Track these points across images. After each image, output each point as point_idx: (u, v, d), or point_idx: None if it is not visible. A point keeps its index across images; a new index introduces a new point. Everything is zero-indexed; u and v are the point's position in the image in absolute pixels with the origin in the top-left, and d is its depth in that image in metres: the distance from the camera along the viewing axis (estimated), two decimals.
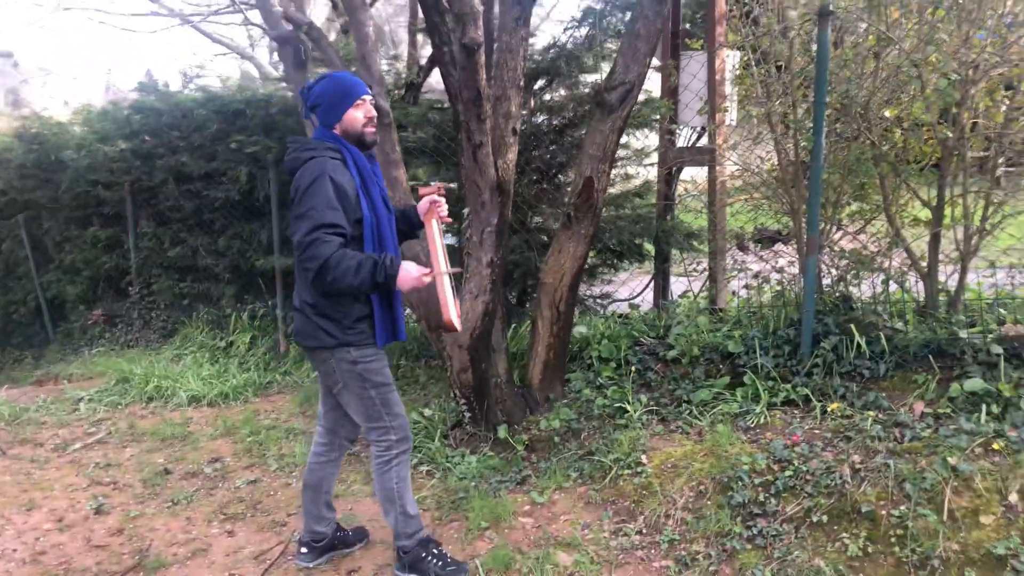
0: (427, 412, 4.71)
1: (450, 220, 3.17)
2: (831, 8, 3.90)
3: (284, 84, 7.13)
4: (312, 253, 2.69)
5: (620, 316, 5.11)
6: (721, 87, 5.03)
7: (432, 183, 3.13)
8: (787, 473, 3.33)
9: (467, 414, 4.36)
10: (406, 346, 5.93)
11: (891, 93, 4.16)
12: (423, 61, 7.26)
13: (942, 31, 3.91)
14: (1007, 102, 4.01)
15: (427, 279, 2.85)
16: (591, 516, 3.53)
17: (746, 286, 4.85)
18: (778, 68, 4.46)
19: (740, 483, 3.36)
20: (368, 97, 2.97)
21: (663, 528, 3.36)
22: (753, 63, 4.61)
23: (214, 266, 7.12)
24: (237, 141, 6.51)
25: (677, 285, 5.83)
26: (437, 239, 3.07)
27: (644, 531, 3.38)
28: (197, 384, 5.80)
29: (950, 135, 3.89)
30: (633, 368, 4.53)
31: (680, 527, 3.34)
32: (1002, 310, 4.10)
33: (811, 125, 4.02)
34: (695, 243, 5.45)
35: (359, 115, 2.94)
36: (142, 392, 5.81)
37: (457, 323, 3.01)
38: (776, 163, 4.60)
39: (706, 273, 5.21)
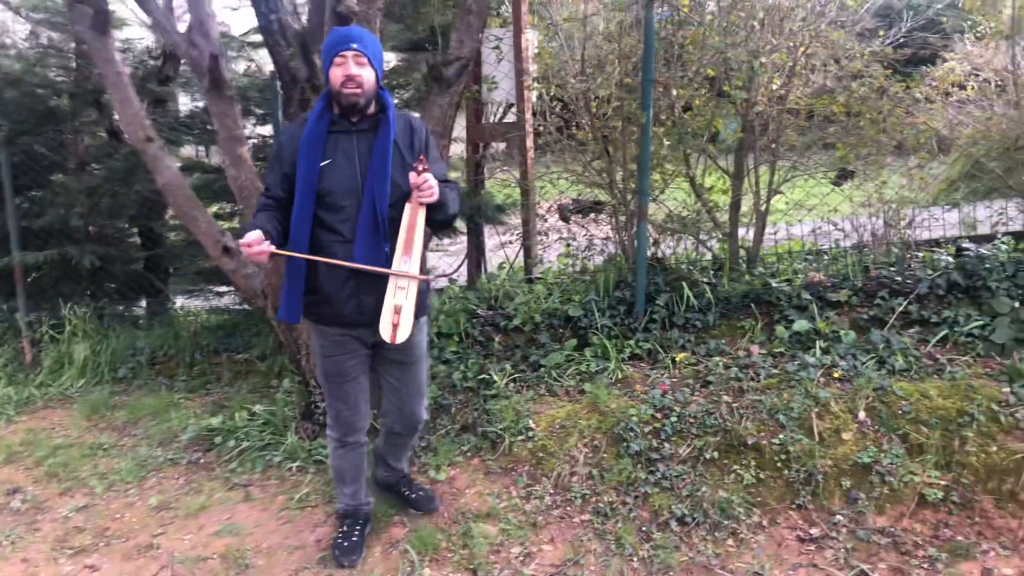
0: (258, 409, 4.37)
1: (432, 200, 2.71)
2: None
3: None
4: None
5: (460, 290, 5.12)
6: (526, 65, 5.21)
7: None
8: (672, 419, 3.63)
9: (321, 403, 4.12)
10: (201, 340, 5.43)
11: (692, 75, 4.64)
12: None
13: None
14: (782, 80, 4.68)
15: (257, 255, 2.61)
16: (496, 486, 3.56)
17: (566, 254, 5.11)
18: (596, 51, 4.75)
19: (632, 434, 3.60)
20: (349, 53, 2.69)
21: (571, 486, 3.49)
22: (564, 42, 4.86)
23: None
24: None
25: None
26: (405, 229, 2.73)
27: (554, 492, 3.49)
28: None
29: (746, 97, 4.42)
30: (476, 340, 4.59)
31: (587, 482, 3.50)
32: (789, 260, 4.79)
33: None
34: (503, 216, 5.61)
35: (337, 74, 2.70)
36: None
37: (392, 335, 2.72)
38: (591, 138, 4.89)
39: (519, 245, 5.40)
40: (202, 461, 4.05)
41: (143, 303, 6.26)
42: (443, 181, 2.80)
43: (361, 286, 2.78)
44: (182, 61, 6.22)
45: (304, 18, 4.41)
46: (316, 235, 2.78)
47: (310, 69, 4.18)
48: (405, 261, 2.72)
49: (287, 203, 2.81)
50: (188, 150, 6.96)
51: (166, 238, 6.23)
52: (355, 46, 2.70)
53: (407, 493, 3.44)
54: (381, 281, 2.76)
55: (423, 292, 2.87)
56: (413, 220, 2.71)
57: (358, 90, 2.71)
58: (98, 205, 5.70)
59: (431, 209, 2.73)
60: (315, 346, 2.99)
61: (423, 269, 2.84)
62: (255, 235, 2.63)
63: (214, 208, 5.74)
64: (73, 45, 5.82)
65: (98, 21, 3.72)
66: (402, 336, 2.72)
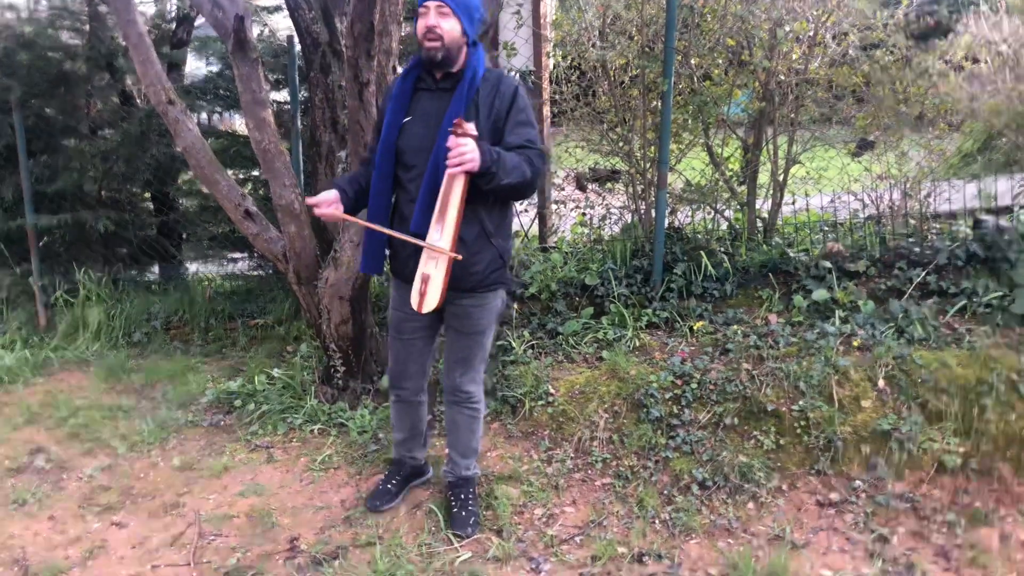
0: (276, 372, 4.40)
1: (472, 169, 2.51)
2: None
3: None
4: None
5: None
6: (545, 32, 5.18)
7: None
8: (692, 386, 3.65)
9: (341, 367, 4.15)
10: (215, 306, 5.44)
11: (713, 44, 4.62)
12: None
13: None
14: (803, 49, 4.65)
15: (329, 212, 2.76)
16: (517, 449, 3.59)
17: (581, 223, 5.12)
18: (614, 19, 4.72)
19: (652, 399, 3.63)
20: (432, 3, 2.61)
21: (591, 450, 3.53)
22: (583, 8, 4.83)
23: None
24: None
25: None
26: (440, 198, 2.62)
27: (575, 455, 3.53)
28: None
29: (768, 66, 4.40)
30: None
31: (608, 447, 3.54)
32: (807, 231, 4.80)
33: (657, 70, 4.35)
34: None
35: (420, 25, 2.64)
36: None
37: (419, 304, 2.68)
38: (609, 106, 4.87)
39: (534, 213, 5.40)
40: (222, 423, 4.08)
41: (156, 268, 6.25)
42: (521, 147, 2.64)
43: (415, 251, 2.72)
44: (195, 25, 6.19)
45: None
46: (395, 192, 2.84)
47: (331, 32, 4.18)
48: (437, 230, 2.63)
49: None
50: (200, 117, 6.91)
51: (180, 203, 6.22)
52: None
53: (454, 507, 3.13)
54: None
55: (491, 266, 2.81)
56: (449, 188, 2.59)
57: (437, 43, 2.62)
58: (111, 170, 5.68)
59: (479, 177, 2.54)
60: (390, 293, 3.05)
61: (495, 243, 2.79)
62: (327, 195, 2.73)
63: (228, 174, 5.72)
64: (87, 8, 5.76)
65: None
66: (429, 306, 2.66)
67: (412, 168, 2.75)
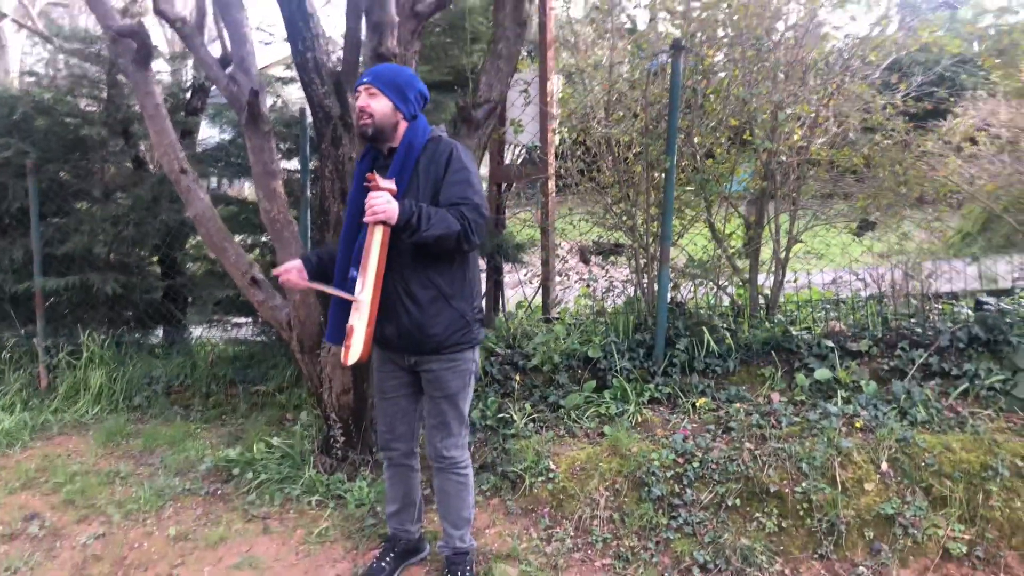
0: (275, 441, 4.38)
1: (387, 219, 2.60)
2: (683, 44, 4.33)
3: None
4: None
5: None
6: (551, 109, 5.30)
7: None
8: (694, 464, 3.63)
9: (341, 437, 4.12)
10: (217, 371, 5.44)
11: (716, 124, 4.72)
12: None
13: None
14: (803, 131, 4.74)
15: (291, 278, 2.91)
16: (517, 527, 3.55)
17: (584, 295, 5.15)
18: (619, 97, 4.84)
19: (654, 478, 3.60)
20: (361, 88, 2.82)
21: (592, 529, 3.49)
22: (588, 87, 4.95)
23: None
24: None
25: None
26: (365, 251, 2.72)
27: (575, 534, 3.48)
28: None
29: (770, 147, 4.47)
30: (495, 378, 4.61)
31: (608, 526, 3.49)
32: (808, 308, 4.82)
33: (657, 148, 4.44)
34: (523, 256, 5.65)
35: (356, 107, 2.81)
36: None
37: (344, 356, 2.81)
38: (613, 181, 4.95)
39: (538, 283, 5.44)
40: (220, 492, 4.04)
41: (160, 332, 6.27)
42: (454, 204, 2.71)
43: (382, 316, 2.80)
44: (210, 94, 6.33)
45: (336, 57, 4.51)
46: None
47: (343, 107, 4.26)
48: (360, 282, 2.73)
49: None
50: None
51: (186, 268, 6.27)
52: (366, 80, 2.81)
53: None
54: (400, 313, 2.82)
55: (454, 327, 2.87)
56: (368, 240, 2.69)
57: (368, 120, 2.79)
58: (121, 233, 5.75)
59: (401, 230, 2.62)
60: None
61: (455, 305, 2.85)
62: (291, 263, 2.91)
63: (236, 240, 5.79)
64: (105, 76, 5.91)
65: (140, 55, 3.80)
66: (353, 357, 2.73)
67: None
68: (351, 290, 2.78)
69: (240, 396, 5.25)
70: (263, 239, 5.77)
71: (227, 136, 6.24)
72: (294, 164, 5.84)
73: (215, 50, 4.72)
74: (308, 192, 5.26)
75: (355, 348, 2.73)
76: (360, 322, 2.72)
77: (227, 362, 5.53)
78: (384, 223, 2.61)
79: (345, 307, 2.85)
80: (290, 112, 5.97)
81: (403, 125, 2.86)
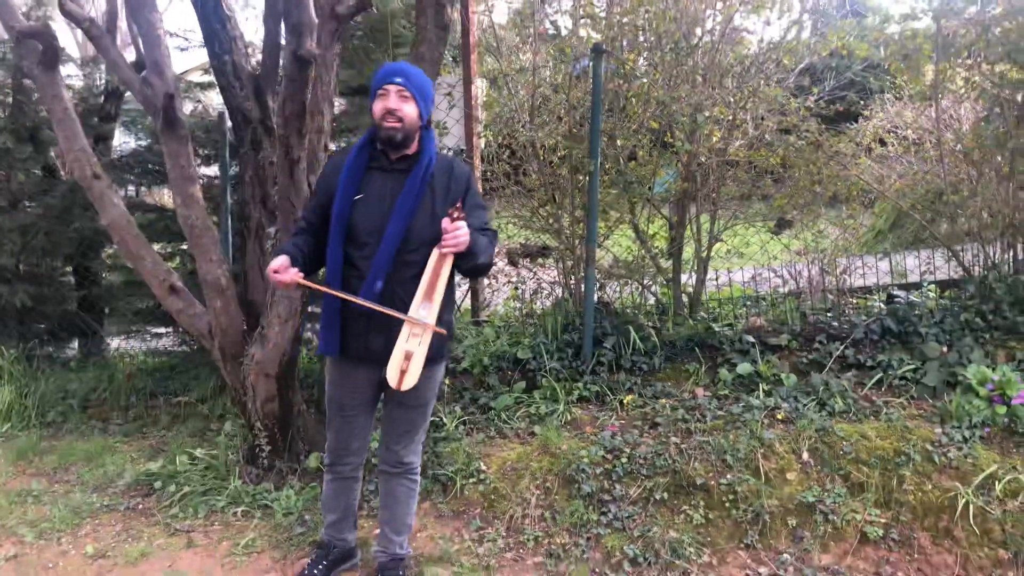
0: (199, 452, 4.27)
1: (459, 249, 2.61)
2: (604, 48, 4.40)
3: None
4: None
5: None
6: (476, 112, 5.31)
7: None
8: (623, 460, 3.67)
9: (267, 446, 4.04)
10: (137, 383, 5.28)
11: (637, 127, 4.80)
12: None
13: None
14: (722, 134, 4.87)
15: (283, 281, 2.67)
16: (448, 529, 3.53)
17: (513, 297, 5.17)
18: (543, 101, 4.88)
19: (584, 475, 3.63)
20: (392, 87, 2.68)
21: (523, 528, 3.49)
22: (512, 91, 4.98)
23: None
24: None
25: None
26: (428, 276, 2.65)
27: (506, 534, 3.48)
28: None
29: (690, 149, 4.58)
30: None
31: (540, 524, 3.51)
32: (730, 305, 4.94)
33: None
34: None
35: (378, 106, 2.69)
36: None
37: (399, 382, 2.65)
38: (539, 184, 4.99)
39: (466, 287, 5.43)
40: (141, 507, 3.91)
41: (75, 344, 6.05)
42: (481, 229, 2.75)
43: (372, 326, 2.73)
44: (124, 99, 6.15)
45: (255, 60, 4.44)
46: (344, 268, 2.78)
47: (263, 110, 4.20)
48: (425, 307, 2.64)
49: (319, 229, 2.84)
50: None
51: (103, 277, 6.07)
52: (399, 80, 2.69)
53: None
54: (393, 324, 2.68)
55: (440, 341, 2.79)
56: (439, 267, 2.64)
57: (397, 124, 2.68)
58: (31, 243, 5.54)
59: (460, 257, 2.65)
60: (327, 370, 2.98)
61: (445, 318, 2.78)
62: (280, 260, 2.68)
63: (155, 248, 5.63)
64: (10, 80, 5.68)
65: (47, 57, 3.66)
66: (408, 383, 2.65)
67: (365, 246, 2.74)
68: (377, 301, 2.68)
69: (161, 408, 5.10)
70: (183, 247, 5.62)
71: (144, 143, 6.07)
72: (215, 170, 5.72)
73: (130, 56, 4.60)
74: (229, 198, 5.15)
75: (412, 374, 2.64)
76: (420, 348, 2.64)
77: (147, 374, 5.37)
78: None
79: (352, 318, 2.74)
80: (210, 117, 5.85)
81: (419, 133, 2.80)
